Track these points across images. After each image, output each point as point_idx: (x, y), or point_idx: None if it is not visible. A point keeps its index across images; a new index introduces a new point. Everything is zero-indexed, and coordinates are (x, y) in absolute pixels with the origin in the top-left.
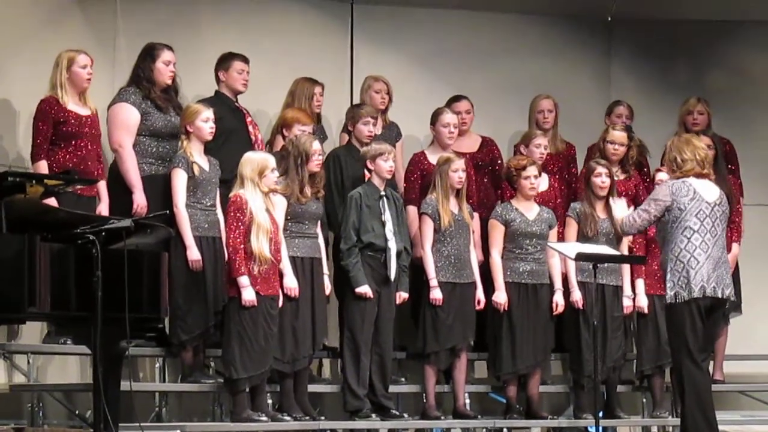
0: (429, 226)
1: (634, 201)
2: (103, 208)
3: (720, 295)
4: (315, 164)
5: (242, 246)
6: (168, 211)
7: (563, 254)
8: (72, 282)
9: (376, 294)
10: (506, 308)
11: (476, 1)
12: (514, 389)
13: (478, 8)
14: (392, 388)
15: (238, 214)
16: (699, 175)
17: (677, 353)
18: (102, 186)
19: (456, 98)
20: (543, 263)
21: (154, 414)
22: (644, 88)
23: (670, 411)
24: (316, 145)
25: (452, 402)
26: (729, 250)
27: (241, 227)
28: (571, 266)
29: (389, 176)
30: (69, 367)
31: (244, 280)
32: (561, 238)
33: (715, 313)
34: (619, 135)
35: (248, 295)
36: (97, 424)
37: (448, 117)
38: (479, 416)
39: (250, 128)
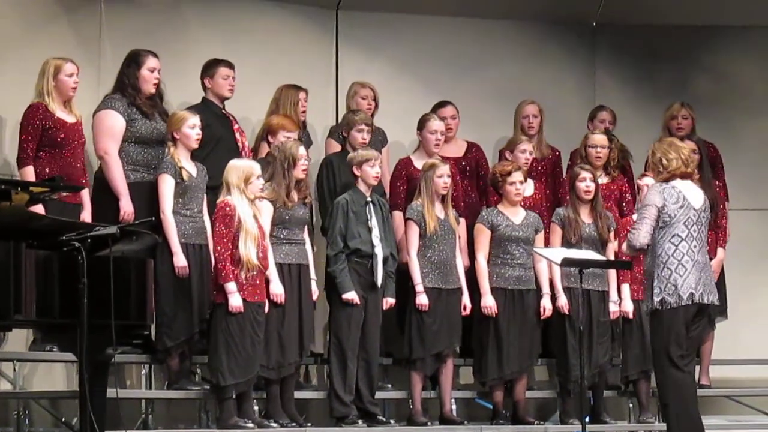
0: (414, 231)
1: (620, 204)
2: (86, 216)
3: (706, 301)
4: (301, 170)
5: (230, 252)
6: (154, 218)
7: (549, 260)
8: (58, 289)
9: (363, 300)
10: (495, 313)
11: (460, 8)
12: (500, 394)
13: (463, 14)
14: (379, 394)
15: (226, 221)
16: (684, 175)
17: (658, 358)
18: (85, 193)
19: (441, 104)
20: (529, 268)
21: (141, 421)
22: (628, 94)
23: (656, 416)
24: (302, 150)
25: (439, 408)
26: (714, 254)
27: (229, 234)
28: (557, 272)
29: (375, 182)
30: (55, 374)
31: (231, 287)
32: (546, 243)
33: (701, 318)
34: (599, 138)
35: (235, 301)
36: None
37: (436, 124)
38: (466, 422)
39: (237, 135)
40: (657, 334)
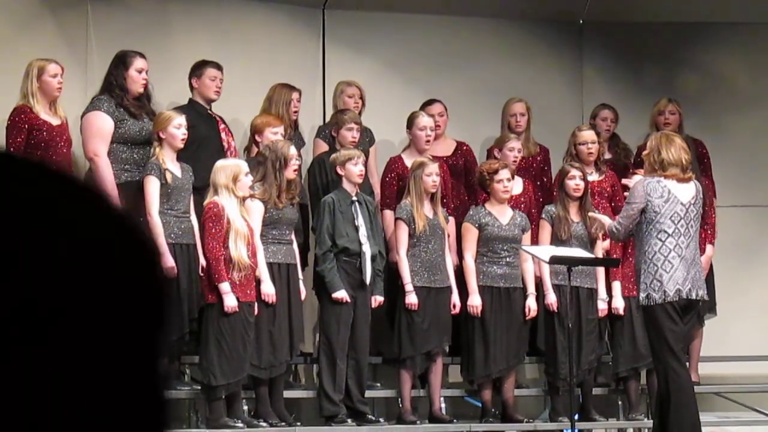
0: (404, 230)
1: (611, 201)
2: None
3: (695, 296)
4: (292, 170)
5: (222, 253)
6: (141, 219)
7: (537, 257)
8: None
9: (352, 299)
10: (481, 312)
11: (448, 6)
12: (489, 393)
13: (450, 12)
14: (368, 393)
15: (215, 221)
16: (679, 180)
17: (659, 354)
18: None
19: (429, 102)
20: (516, 267)
21: None
22: (616, 91)
23: (646, 413)
24: (293, 150)
25: (428, 406)
26: (703, 251)
27: (220, 234)
28: (546, 269)
29: (360, 180)
30: None
31: (225, 287)
32: (535, 241)
33: (689, 313)
34: (588, 134)
35: (230, 301)
36: None
37: (425, 120)
38: (455, 420)
39: (223, 135)
40: (651, 329)
